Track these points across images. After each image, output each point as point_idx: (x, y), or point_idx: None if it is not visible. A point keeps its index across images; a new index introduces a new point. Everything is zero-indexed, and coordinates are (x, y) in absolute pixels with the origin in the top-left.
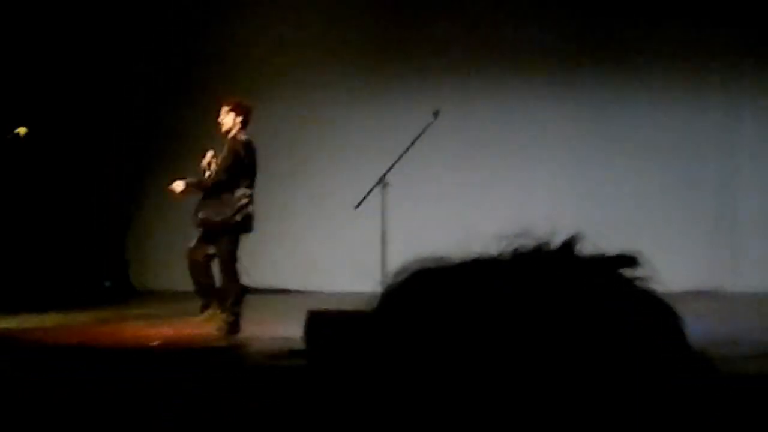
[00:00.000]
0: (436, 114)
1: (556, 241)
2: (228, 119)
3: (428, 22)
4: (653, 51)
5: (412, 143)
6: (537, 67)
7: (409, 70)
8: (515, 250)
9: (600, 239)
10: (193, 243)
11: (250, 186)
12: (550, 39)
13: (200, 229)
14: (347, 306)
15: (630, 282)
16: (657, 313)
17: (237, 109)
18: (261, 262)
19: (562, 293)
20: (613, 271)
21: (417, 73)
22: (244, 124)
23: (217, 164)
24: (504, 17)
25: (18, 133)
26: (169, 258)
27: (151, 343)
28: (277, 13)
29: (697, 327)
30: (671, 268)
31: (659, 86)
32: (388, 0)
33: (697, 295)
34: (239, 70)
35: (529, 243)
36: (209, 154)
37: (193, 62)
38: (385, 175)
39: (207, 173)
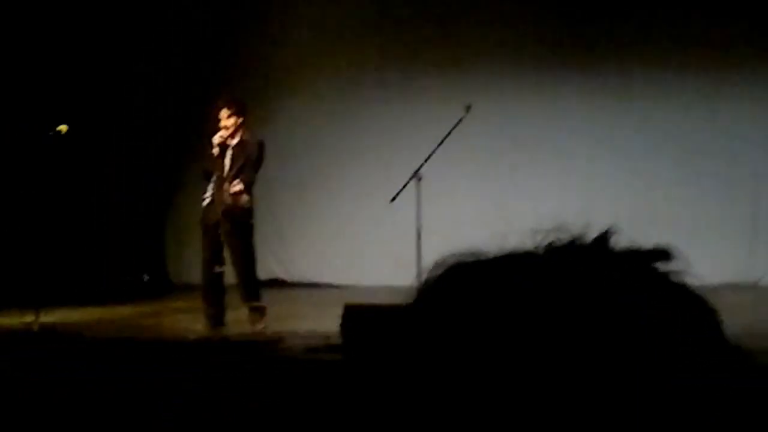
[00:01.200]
0: (468, 108)
1: (591, 234)
2: (231, 121)
3: (460, 17)
4: (690, 45)
5: (445, 137)
6: (573, 61)
7: (442, 65)
8: (550, 243)
9: (635, 233)
10: (208, 254)
11: None
12: (584, 33)
13: (210, 233)
14: (383, 300)
15: (664, 276)
16: (692, 308)
17: (242, 111)
18: (298, 257)
19: (597, 287)
20: (647, 265)
21: (449, 68)
22: (247, 123)
23: (245, 164)
24: (536, 11)
25: (60, 131)
26: (200, 256)
27: (190, 337)
28: (309, 15)
29: (734, 320)
30: (708, 261)
31: (695, 81)
32: None
33: (733, 288)
34: (271, 68)
35: (563, 237)
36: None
37: (224, 63)
38: (419, 169)
39: (227, 170)
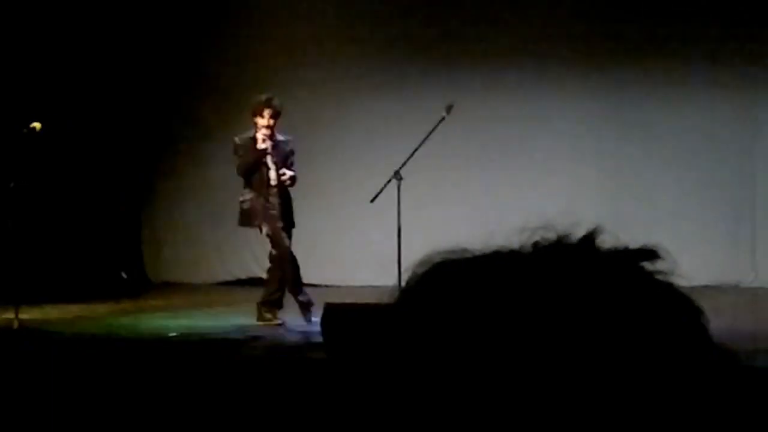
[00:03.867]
0: (449, 108)
1: (577, 233)
2: (272, 121)
3: (442, 16)
4: (672, 46)
5: (426, 137)
6: (555, 60)
7: (423, 64)
8: (536, 242)
9: (620, 233)
10: (287, 241)
11: None
12: (568, 33)
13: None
14: (364, 299)
15: (651, 275)
16: (678, 307)
17: (280, 111)
18: None
19: (583, 286)
20: (634, 264)
21: (431, 68)
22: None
23: (288, 161)
24: (519, 10)
25: (34, 128)
26: (182, 250)
27: (170, 335)
28: (288, 11)
29: (716, 322)
30: (690, 263)
31: (678, 82)
32: None
33: (716, 289)
34: (250, 69)
35: (550, 235)
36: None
37: (205, 57)
38: (400, 168)
39: (272, 168)
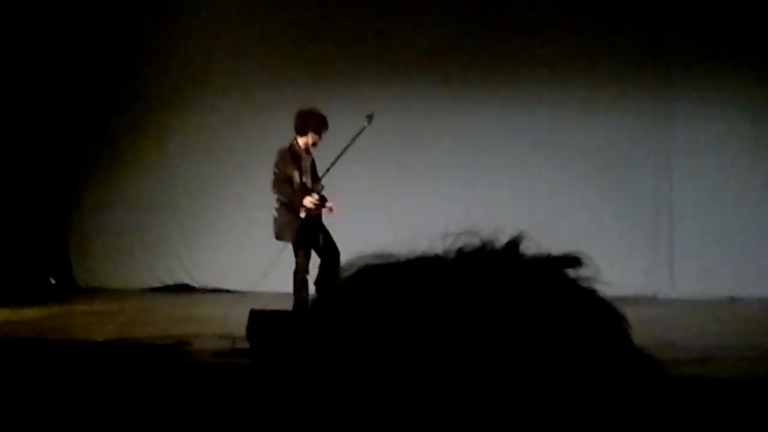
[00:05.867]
0: (370, 118)
1: (501, 240)
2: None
3: (362, 19)
4: (587, 55)
5: (346, 148)
6: (472, 67)
7: (343, 71)
8: (460, 248)
9: (542, 241)
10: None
11: None
12: (480, 41)
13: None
14: (289, 306)
15: (574, 282)
16: (602, 313)
17: None
18: (203, 263)
19: (507, 291)
20: (557, 271)
21: (351, 75)
22: None
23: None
24: (438, 17)
25: None
26: (111, 256)
27: (98, 339)
28: (230, 9)
29: (637, 332)
30: (609, 273)
31: (595, 91)
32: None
33: (635, 300)
34: (185, 64)
35: (473, 241)
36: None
37: (130, 61)
38: (321, 177)
39: (311, 179)
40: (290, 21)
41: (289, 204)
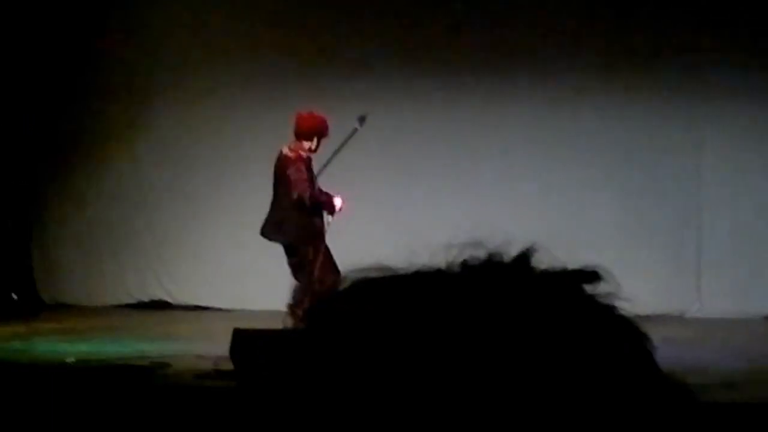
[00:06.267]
0: (362, 119)
1: (510, 252)
2: None
3: (357, 14)
4: (616, 63)
5: (337, 152)
6: (481, 64)
7: (332, 69)
8: (464, 261)
9: (558, 254)
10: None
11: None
12: (500, 43)
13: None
14: (272, 325)
15: (592, 298)
16: (623, 332)
17: None
18: (181, 278)
19: (518, 309)
20: (573, 286)
21: (341, 73)
22: None
23: None
24: (438, 11)
25: None
26: (78, 269)
27: (67, 360)
28: (186, 10)
29: (663, 353)
30: (631, 290)
31: (621, 100)
32: None
33: (659, 319)
34: (156, 62)
35: (480, 254)
36: None
37: (92, 62)
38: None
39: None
40: (273, 14)
41: (326, 205)
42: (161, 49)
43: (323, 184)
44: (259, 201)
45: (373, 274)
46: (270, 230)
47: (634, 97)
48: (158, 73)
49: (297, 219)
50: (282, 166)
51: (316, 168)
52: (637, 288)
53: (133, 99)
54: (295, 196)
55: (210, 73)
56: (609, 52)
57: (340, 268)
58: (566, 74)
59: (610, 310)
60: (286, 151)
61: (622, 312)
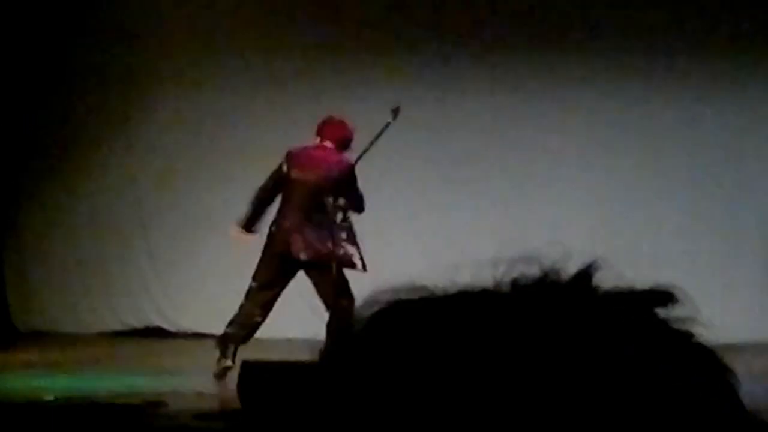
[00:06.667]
0: (396, 112)
1: (569, 268)
2: None
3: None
4: (689, 60)
5: (367, 149)
6: (539, 50)
7: (365, 57)
8: (515, 279)
9: (624, 271)
10: None
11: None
12: (558, 37)
13: None
14: (284, 355)
15: (666, 324)
16: (701, 364)
17: None
18: (180, 303)
19: (578, 337)
20: (644, 310)
21: (374, 62)
22: None
23: None
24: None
25: None
26: (60, 291)
27: (46, 397)
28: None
29: (755, 387)
30: (712, 314)
31: (690, 87)
32: None
33: (743, 348)
34: (145, 57)
35: (533, 270)
36: None
37: (82, 41)
38: None
39: None
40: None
41: None
42: (144, 42)
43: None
44: (269, 217)
45: (405, 296)
46: None
47: (721, 88)
48: (157, 81)
49: (355, 241)
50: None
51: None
52: (718, 312)
53: (128, 90)
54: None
55: (215, 62)
56: (689, 51)
57: (369, 287)
58: (639, 69)
59: (687, 337)
60: (349, 159)
61: (701, 340)
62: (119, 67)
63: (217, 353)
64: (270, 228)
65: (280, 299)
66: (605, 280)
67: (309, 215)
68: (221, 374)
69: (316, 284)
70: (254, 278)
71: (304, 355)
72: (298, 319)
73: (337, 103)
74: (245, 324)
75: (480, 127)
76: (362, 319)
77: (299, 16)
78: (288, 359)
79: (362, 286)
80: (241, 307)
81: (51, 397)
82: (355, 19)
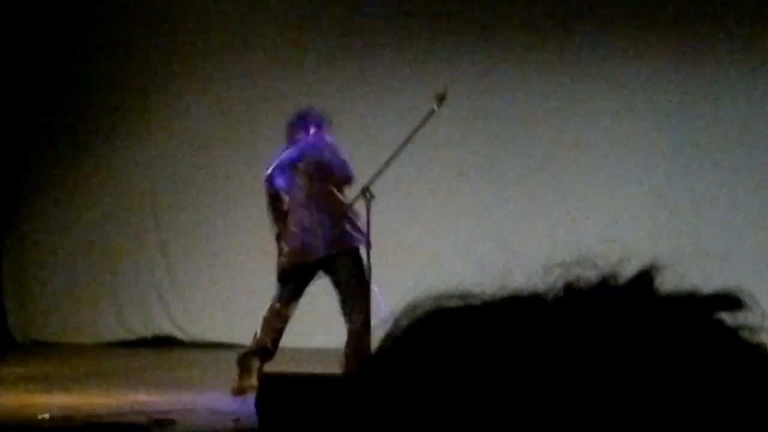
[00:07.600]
0: (441, 98)
1: (627, 272)
2: None
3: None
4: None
5: (407, 140)
6: (591, 39)
7: (406, 42)
8: (569, 283)
9: (688, 273)
10: None
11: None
12: (605, 23)
13: None
14: (305, 366)
15: (734, 332)
16: None
17: None
18: (196, 311)
19: (638, 345)
20: (709, 316)
21: (417, 47)
22: None
23: None
24: None
25: None
26: (62, 299)
27: (41, 416)
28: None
29: None
30: None
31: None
32: None
33: None
34: (155, 52)
35: (588, 274)
36: None
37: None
38: (369, 184)
39: None
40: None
41: None
42: (156, 36)
43: (389, 179)
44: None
45: (451, 303)
46: None
47: None
48: (169, 89)
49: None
50: None
51: (382, 159)
52: None
53: (141, 100)
54: None
55: (233, 61)
56: (739, 47)
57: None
58: (688, 63)
59: (756, 348)
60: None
61: None
62: (129, 68)
63: (233, 365)
64: (279, 246)
65: (301, 307)
66: (667, 283)
67: (311, 211)
68: (240, 391)
69: (336, 281)
70: (278, 300)
71: (326, 366)
72: (320, 328)
73: (347, 107)
74: (269, 339)
75: (532, 127)
76: (401, 329)
77: (312, 24)
78: (312, 372)
79: (402, 291)
80: (265, 321)
81: (46, 416)
82: (363, 26)
